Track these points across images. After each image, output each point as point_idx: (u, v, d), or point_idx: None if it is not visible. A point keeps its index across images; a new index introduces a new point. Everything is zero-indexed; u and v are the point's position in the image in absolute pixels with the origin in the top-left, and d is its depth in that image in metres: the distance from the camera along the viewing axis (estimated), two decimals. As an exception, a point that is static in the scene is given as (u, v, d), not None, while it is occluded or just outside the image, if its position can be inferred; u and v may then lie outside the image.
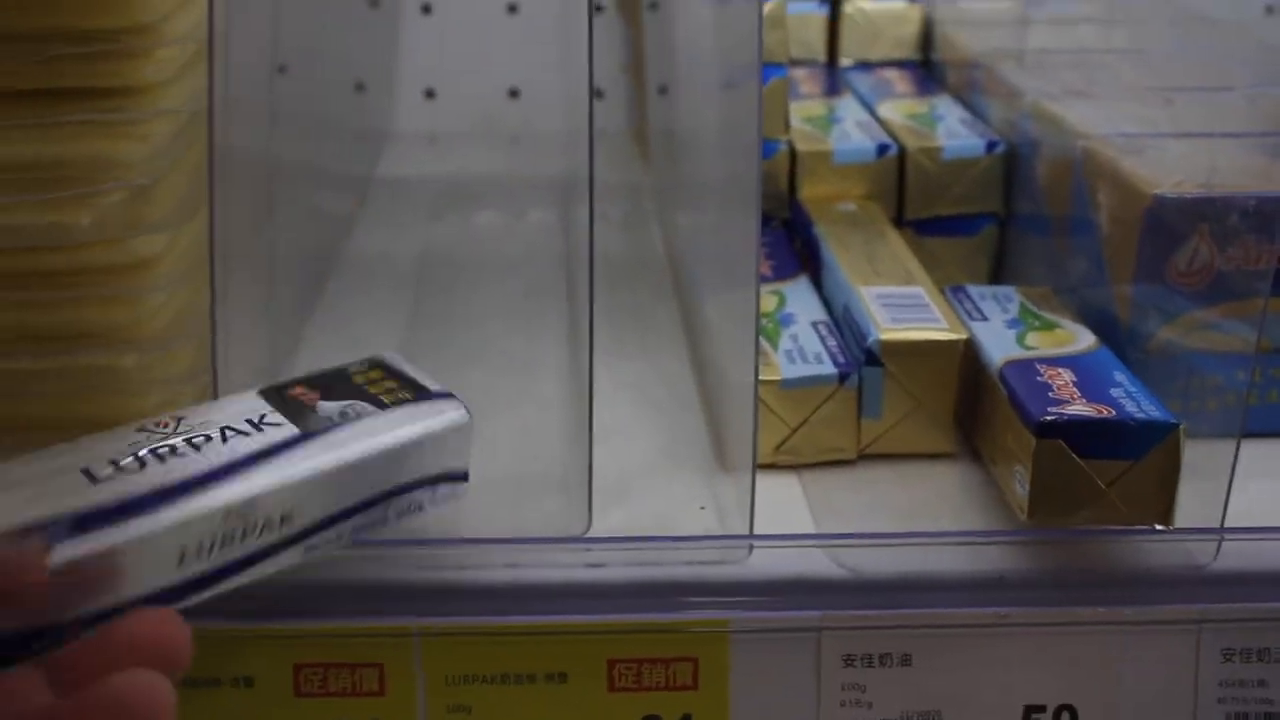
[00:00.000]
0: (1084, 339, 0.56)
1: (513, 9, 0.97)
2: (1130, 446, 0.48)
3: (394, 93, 0.97)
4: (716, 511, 0.53)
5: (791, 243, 0.67)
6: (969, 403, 0.56)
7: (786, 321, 0.59)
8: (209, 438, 0.42)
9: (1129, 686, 0.50)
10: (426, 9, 0.96)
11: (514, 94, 0.98)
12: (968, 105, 0.75)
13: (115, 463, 0.40)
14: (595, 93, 0.92)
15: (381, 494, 0.45)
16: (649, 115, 0.87)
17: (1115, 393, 0.50)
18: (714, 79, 0.58)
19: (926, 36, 0.83)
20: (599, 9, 0.92)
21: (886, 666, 0.50)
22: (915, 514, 0.53)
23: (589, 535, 0.50)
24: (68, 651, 0.37)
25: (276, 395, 0.45)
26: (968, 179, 0.69)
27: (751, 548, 0.50)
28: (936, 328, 0.56)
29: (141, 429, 0.42)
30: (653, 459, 0.57)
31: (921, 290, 0.59)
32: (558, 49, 0.97)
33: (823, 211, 0.67)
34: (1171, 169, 0.56)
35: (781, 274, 0.64)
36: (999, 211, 0.69)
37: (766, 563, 0.50)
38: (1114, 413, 0.49)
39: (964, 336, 0.55)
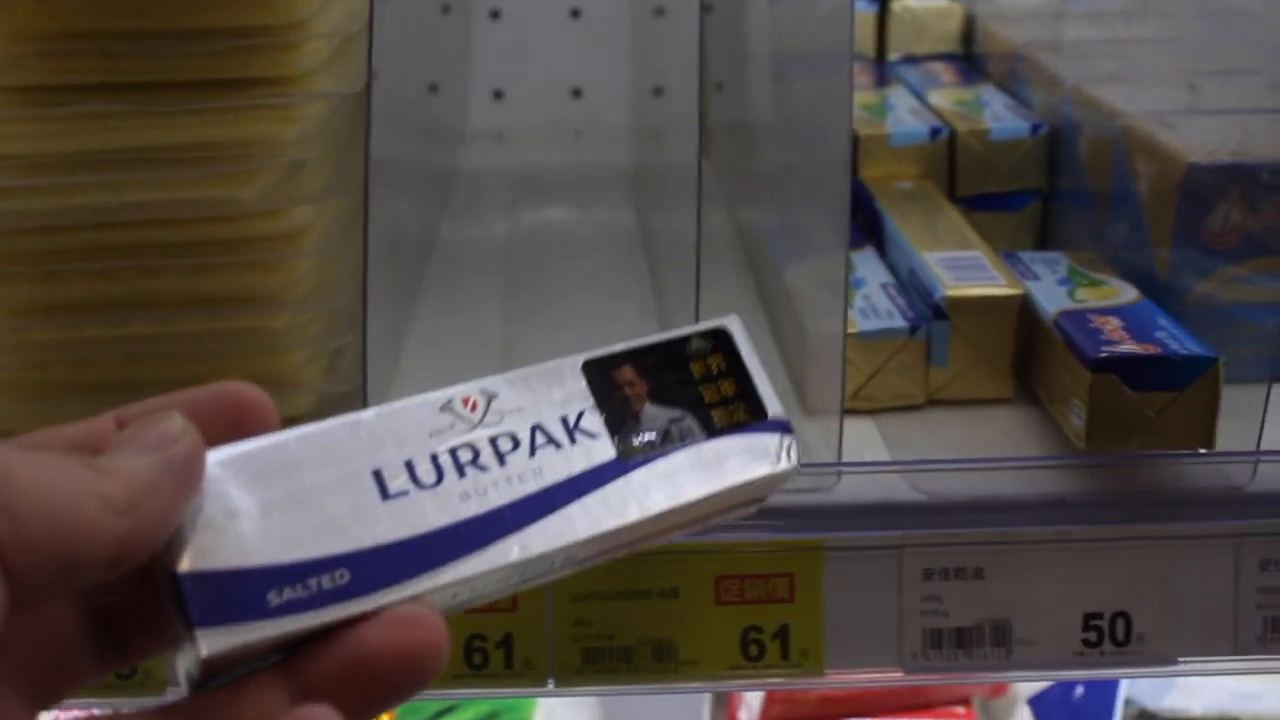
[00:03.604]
0: (1128, 293, 0.62)
1: (576, 14, 1.03)
2: (1175, 379, 0.54)
3: (465, 94, 1.03)
4: (805, 449, 0.59)
5: (854, 218, 0.74)
6: (1025, 352, 0.63)
7: (858, 284, 0.65)
8: (516, 443, 0.37)
9: (1177, 595, 0.56)
10: (495, 14, 1.03)
11: (577, 94, 1.05)
12: (1010, 93, 0.81)
13: (411, 469, 0.36)
14: (658, 90, 0.99)
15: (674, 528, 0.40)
16: (710, 110, 0.94)
17: (1160, 334, 0.57)
18: (793, 73, 0.65)
19: (968, 31, 0.90)
20: (660, 12, 0.99)
21: (961, 579, 0.56)
22: (982, 448, 0.59)
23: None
24: (310, 654, 0.34)
25: (600, 377, 0.39)
26: (1014, 159, 0.75)
27: (840, 474, 0.56)
28: (996, 285, 0.62)
29: (447, 407, 0.37)
30: (742, 406, 0.63)
31: (979, 253, 0.65)
32: (619, 51, 1.04)
33: (882, 189, 0.74)
34: (1204, 141, 0.63)
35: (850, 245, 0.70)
36: (1042, 188, 0.76)
37: (853, 488, 0.56)
38: (1160, 350, 0.55)
39: (1021, 292, 0.62)
